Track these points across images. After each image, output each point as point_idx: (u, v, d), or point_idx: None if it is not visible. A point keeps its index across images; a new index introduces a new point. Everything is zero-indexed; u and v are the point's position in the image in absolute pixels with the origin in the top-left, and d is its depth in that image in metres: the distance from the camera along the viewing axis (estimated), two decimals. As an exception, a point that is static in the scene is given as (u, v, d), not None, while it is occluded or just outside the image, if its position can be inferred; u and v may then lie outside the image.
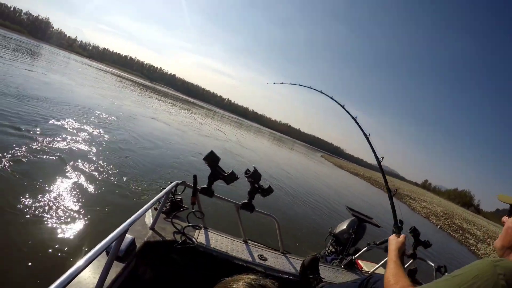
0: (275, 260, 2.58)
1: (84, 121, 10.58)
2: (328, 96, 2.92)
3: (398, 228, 1.81)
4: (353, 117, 2.53)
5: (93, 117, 11.74)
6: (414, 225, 3.07)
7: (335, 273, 2.78)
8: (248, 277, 0.88)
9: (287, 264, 2.60)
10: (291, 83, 3.54)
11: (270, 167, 18.02)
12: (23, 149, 6.13)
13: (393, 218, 2.05)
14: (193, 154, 12.13)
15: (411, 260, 3.12)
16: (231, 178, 2.34)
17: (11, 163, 5.39)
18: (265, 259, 2.52)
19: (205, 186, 2.37)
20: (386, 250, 3.00)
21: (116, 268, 1.58)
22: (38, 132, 7.42)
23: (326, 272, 2.73)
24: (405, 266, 3.16)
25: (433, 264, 3.15)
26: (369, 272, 3.17)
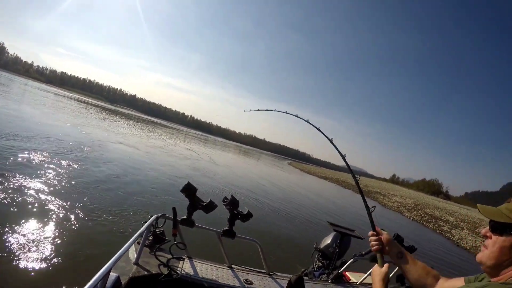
0: (261, 283, 2.62)
1: (54, 153, 10.38)
2: (303, 119, 2.96)
3: (381, 258, 1.66)
4: (329, 139, 2.50)
5: (62, 149, 11.52)
6: (397, 232, 3.18)
7: None
8: None
9: (273, 285, 2.65)
10: (267, 109, 3.58)
11: (243, 182, 18.07)
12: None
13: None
14: (167, 177, 12.18)
15: (375, 264, 3.19)
16: (210, 207, 2.41)
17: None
18: (251, 283, 2.56)
19: (185, 217, 2.43)
20: (371, 260, 3.11)
21: None
22: (8, 170, 7.23)
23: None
24: (392, 273, 3.26)
25: None
26: (357, 283, 3.23)
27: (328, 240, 4.60)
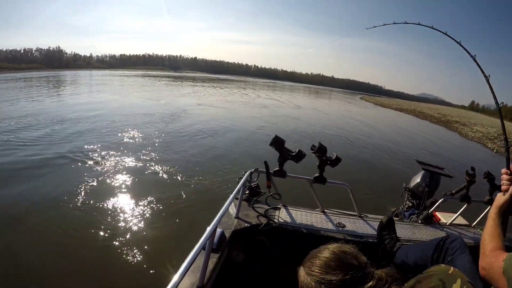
0: (353, 225, 2.73)
1: (145, 127, 11.82)
2: (441, 31, 2.74)
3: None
4: (471, 56, 2.36)
5: (150, 122, 12.86)
6: (488, 170, 3.00)
7: (412, 230, 2.87)
8: (331, 246, 1.20)
9: (365, 227, 2.74)
10: (394, 23, 3.36)
11: (321, 124, 18.10)
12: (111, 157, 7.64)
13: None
14: (253, 131, 12.95)
15: (465, 205, 3.10)
16: (299, 156, 2.50)
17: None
18: (344, 226, 2.68)
19: (277, 169, 2.57)
20: (461, 199, 3.03)
21: (213, 258, 1.84)
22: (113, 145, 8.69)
23: (404, 230, 2.83)
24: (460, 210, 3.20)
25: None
26: (447, 224, 3.19)
27: (417, 179, 4.52)
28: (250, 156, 9.47)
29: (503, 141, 1.90)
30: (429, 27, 2.95)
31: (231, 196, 2.02)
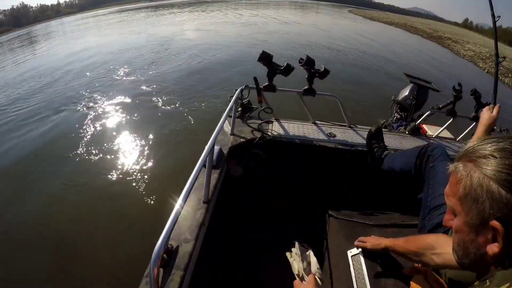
0: (344, 135, 2.82)
1: (138, 61, 11.74)
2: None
3: (494, 102, 1.83)
4: None
5: (141, 55, 12.73)
6: (475, 87, 3.05)
7: (400, 140, 2.97)
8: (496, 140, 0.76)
9: (355, 136, 2.83)
10: None
11: (308, 38, 17.82)
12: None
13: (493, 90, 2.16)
14: (241, 49, 13.04)
15: (451, 119, 3.20)
16: (288, 70, 2.52)
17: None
18: (334, 136, 2.77)
19: (267, 83, 2.59)
20: (448, 113, 3.12)
21: (214, 174, 1.96)
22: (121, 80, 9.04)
23: (392, 140, 2.93)
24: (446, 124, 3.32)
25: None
26: (433, 136, 3.29)
27: (405, 92, 4.57)
28: (241, 73, 9.50)
29: (495, 56, 1.93)
30: None
31: (224, 114, 2.08)
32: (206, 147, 1.63)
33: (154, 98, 7.54)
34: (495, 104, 1.87)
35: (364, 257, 1.68)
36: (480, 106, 3.05)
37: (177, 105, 7.09)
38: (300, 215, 2.70)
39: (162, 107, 7.08)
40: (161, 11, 42.87)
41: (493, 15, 2.11)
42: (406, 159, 2.10)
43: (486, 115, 1.79)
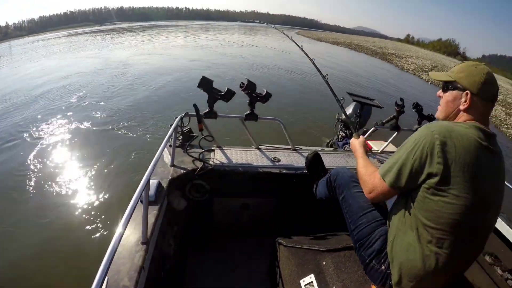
0: (288, 158, 2.77)
1: (89, 86, 11.16)
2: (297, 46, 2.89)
3: (356, 133, 2.16)
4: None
5: (91, 81, 11.88)
6: (416, 101, 3.18)
7: (346, 158, 2.97)
8: None
9: (300, 159, 2.79)
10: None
11: (255, 61, 17.90)
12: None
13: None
14: (183, 76, 12.42)
15: (395, 133, 3.28)
16: (229, 95, 2.43)
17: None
18: (279, 160, 2.71)
19: (207, 110, 2.49)
20: (391, 128, 3.20)
21: (154, 211, 1.82)
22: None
23: (338, 159, 2.93)
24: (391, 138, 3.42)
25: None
26: (379, 151, 3.33)
27: (349, 110, 4.67)
28: (189, 99, 9.20)
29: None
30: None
31: (163, 143, 1.95)
32: (142, 181, 1.49)
33: (99, 128, 7.14)
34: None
35: (318, 285, 1.65)
36: (422, 118, 3.19)
37: (121, 133, 6.78)
38: (250, 245, 2.61)
39: (107, 136, 6.71)
40: (112, 35, 41.65)
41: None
42: (323, 189, 2.15)
43: (355, 142, 2.04)
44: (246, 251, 2.62)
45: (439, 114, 1.56)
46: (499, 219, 2.44)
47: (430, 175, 1.29)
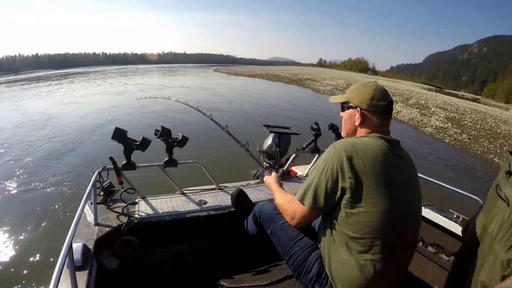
0: (215, 199, 2.76)
1: None
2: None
3: (268, 169, 2.33)
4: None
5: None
6: (331, 122, 3.39)
7: None
8: None
9: (226, 198, 2.79)
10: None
11: (168, 105, 17.66)
12: None
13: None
14: (100, 127, 11.65)
15: (316, 155, 3.44)
16: (144, 144, 2.41)
17: None
18: (205, 202, 2.68)
19: (125, 162, 2.42)
20: (312, 152, 3.33)
21: (84, 276, 1.65)
22: None
23: (264, 191, 2.98)
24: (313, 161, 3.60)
25: None
26: (304, 175, 3.43)
27: (268, 141, 4.73)
28: (106, 151, 8.52)
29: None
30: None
31: (82, 202, 1.82)
32: (64, 247, 1.36)
33: (18, 188, 6.41)
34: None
35: None
36: (339, 137, 3.38)
37: (42, 192, 6.18)
38: None
39: (27, 196, 6.04)
40: (30, 85, 38.87)
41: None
42: (252, 226, 2.19)
43: (268, 179, 2.10)
44: None
45: (342, 132, 1.72)
46: (432, 212, 2.68)
47: (344, 191, 1.36)
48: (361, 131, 1.56)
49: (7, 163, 7.82)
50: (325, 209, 1.47)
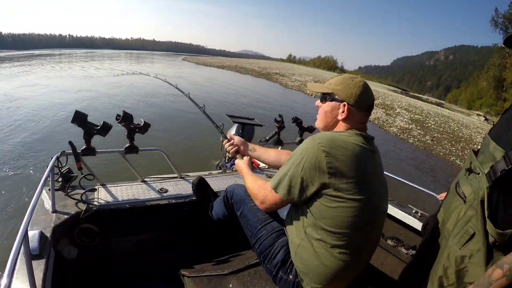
0: (176, 187, 2.72)
1: None
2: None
3: (240, 156, 2.12)
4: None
5: None
6: (295, 115, 3.43)
7: (235, 179, 3.02)
8: None
9: (187, 186, 2.76)
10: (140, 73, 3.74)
11: (134, 90, 17.38)
12: None
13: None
14: (60, 112, 11.16)
15: (279, 147, 3.47)
16: (105, 129, 2.30)
17: None
18: (166, 190, 2.64)
19: (85, 147, 2.32)
20: (275, 144, 3.36)
21: (40, 266, 1.59)
22: None
23: (227, 180, 2.97)
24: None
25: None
26: (266, 167, 3.45)
27: (232, 131, 4.75)
28: (66, 136, 7.98)
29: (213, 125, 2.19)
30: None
31: (39, 187, 1.74)
32: (19, 234, 1.30)
33: None
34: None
35: None
36: (303, 130, 3.49)
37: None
38: (155, 282, 2.49)
39: None
40: None
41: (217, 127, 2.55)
42: (220, 208, 2.16)
43: (239, 162, 2.03)
44: None
45: (318, 123, 1.65)
46: (392, 207, 2.77)
47: (323, 186, 1.36)
48: (342, 126, 1.54)
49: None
50: (298, 201, 1.46)
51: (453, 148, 14.42)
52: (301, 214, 1.50)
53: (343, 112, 1.52)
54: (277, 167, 1.98)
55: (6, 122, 9.72)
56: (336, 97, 1.55)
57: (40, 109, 11.38)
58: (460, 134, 18.45)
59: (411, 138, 15.10)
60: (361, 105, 1.52)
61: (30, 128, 9.24)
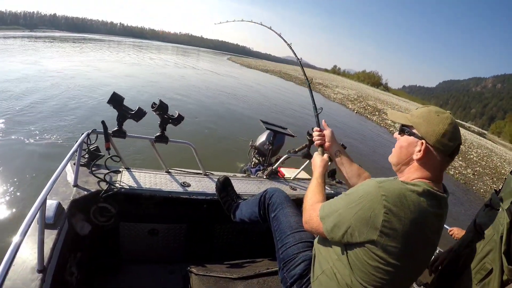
0: (198, 184, 2.69)
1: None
2: (267, 27, 3.07)
3: (322, 151, 1.88)
4: (288, 44, 2.83)
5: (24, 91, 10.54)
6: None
7: (258, 185, 2.96)
8: None
9: (210, 185, 2.72)
10: (242, 20, 3.51)
11: (177, 84, 17.68)
12: None
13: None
14: (103, 93, 11.55)
15: (307, 161, 3.39)
16: (139, 115, 2.31)
17: None
18: (188, 185, 2.62)
19: (116, 128, 2.34)
20: (303, 156, 3.30)
21: (52, 235, 1.60)
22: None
23: (250, 185, 2.91)
24: (303, 166, 3.50)
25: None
26: (291, 178, 3.39)
27: (262, 138, 4.76)
28: (101, 116, 8.36)
29: (314, 110, 2.14)
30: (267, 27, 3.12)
31: (65, 160, 1.76)
32: (37, 201, 1.30)
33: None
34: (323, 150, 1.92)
35: None
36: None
37: (28, 144, 6.03)
38: (160, 273, 2.48)
39: (11, 147, 5.88)
40: (46, 43, 38.40)
41: (315, 108, 2.21)
42: (250, 209, 2.10)
43: (317, 158, 1.83)
44: (156, 280, 2.43)
45: (391, 158, 1.45)
46: None
47: (370, 241, 1.20)
48: (414, 168, 1.34)
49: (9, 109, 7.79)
50: (338, 241, 1.33)
51: (494, 186, 13.27)
52: (338, 246, 1.38)
53: (419, 151, 1.30)
54: (351, 183, 1.76)
55: (52, 95, 10.12)
56: (415, 131, 1.34)
57: (87, 88, 11.83)
58: (503, 171, 17.30)
59: (452, 169, 14.34)
60: (443, 147, 1.28)
61: (73, 103, 9.60)
